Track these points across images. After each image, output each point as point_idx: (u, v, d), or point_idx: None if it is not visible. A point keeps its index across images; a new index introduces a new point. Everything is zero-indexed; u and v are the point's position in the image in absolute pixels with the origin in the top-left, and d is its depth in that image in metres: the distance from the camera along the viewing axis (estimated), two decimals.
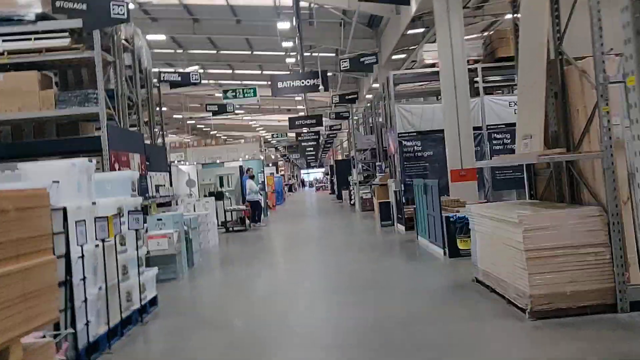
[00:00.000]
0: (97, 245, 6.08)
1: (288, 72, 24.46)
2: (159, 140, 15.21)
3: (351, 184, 28.12)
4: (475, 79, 15.47)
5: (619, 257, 5.77)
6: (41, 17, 10.09)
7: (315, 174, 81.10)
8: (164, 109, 26.66)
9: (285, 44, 22.38)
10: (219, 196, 19.94)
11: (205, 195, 19.98)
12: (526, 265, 5.85)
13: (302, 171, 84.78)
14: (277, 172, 44.58)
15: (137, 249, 7.34)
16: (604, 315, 5.78)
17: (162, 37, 22.36)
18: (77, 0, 9.37)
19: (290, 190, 46.23)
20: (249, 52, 27.19)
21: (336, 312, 7.35)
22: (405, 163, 15.61)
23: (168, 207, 12.84)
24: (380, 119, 20.67)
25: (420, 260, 10.81)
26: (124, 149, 10.86)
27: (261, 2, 20.64)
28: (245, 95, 20.58)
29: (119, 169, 10.13)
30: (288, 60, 24.96)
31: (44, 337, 3.48)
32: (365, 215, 21.84)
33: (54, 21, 10.09)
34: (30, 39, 10.00)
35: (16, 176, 5.88)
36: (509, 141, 15.42)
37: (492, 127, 15.39)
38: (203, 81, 31.70)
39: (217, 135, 50.91)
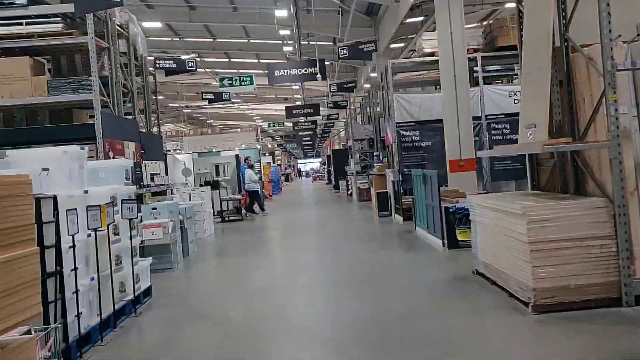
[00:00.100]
0: (89, 235, 5.92)
1: (285, 61, 24.22)
2: (155, 129, 15.02)
3: (348, 174, 27.98)
4: (475, 69, 15.31)
5: (625, 249, 5.63)
6: (33, 2, 9.88)
7: (312, 163, 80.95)
8: (160, 97, 26.46)
9: (282, 32, 22.14)
10: (214, 185, 19.79)
11: (201, 185, 19.81)
12: (530, 257, 5.71)
13: (299, 161, 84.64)
14: (274, 162, 44.39)
15: (130, 239, 7.18)
16: (608, 309, 5.64)
17: (157, 24, 22.10)
18: None
19: (286, 180, 46.06)
20: (246, 41, 26.92)
21: (334, 304, 7.20)
22: (403, 153, 15.47)
23: (163, 196, 12.67)
24: (378, 109, 20.50)
25: (419, 251, 10.66)
26: (119, 137, 10.68)
27: None
28: (242, 83, 20.35)
29: (114, 157, 9.96)
30: (285, 48, 24.71)
31: (29, 332, 3.32)
32: (362, 205, 21.70)
33: (46, 5, 9.89)
34: (21, 24, 9.81)
35: (5, 163, 5.70)
36: (508, 131, 15.29)
37: (491, 117, 15.23)
38: (199, 70, 31.56)
39: (214, 124, 50.62)
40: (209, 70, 32.40)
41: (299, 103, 33.92)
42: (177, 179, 19.34)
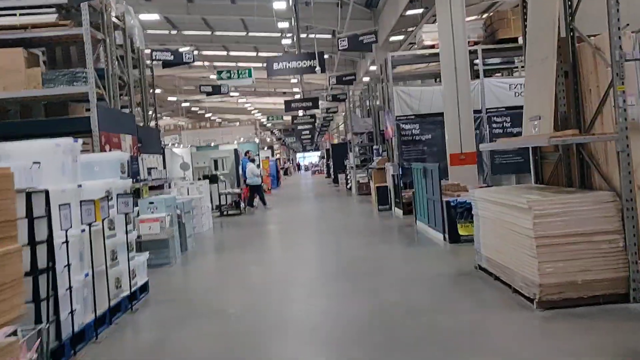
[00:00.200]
0: (83, 230, 5.77)
1: (284, 53, 24.02)
2: (152, 123, 14.85)
3: (347, 167, 27.82)
4: (475, 61, 15.15)
5: (633, 244, 5.49)
6: None
7: (311, 157, 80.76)
8: (158, 91, 26.24)
9: (281, 25, 21.93)
10: (213, 179, 19.62)
11: (199, 179, 19.64)
12: (536, 252, 5.56)
13: (298, 154, 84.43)
14: (273, 156, 44.23)
15: (126, 234, 7.03)
16: (616, 306, 5.50)
17: (155, 16, 21.88)
18: None
19: (285, 173, 45.91)
20: (244, 34, 26.71)
21: (335, 301, 7.05)
22: (403, 146, 15.34)
23: (161, 190, 12.51)
24: (378, 102, 20.34)
25: (420, 245, 10.54)
26: (115, 130, 10.51)
27: None
28: (240, 76, 20.16)
29: (110, 151, 9.79)
30: (284, 41, 24.49)
31: (15, 332, 3.17)
32: (361, 199, 21.56)
33: None
34: (14, 14, 9.61)
35: None
36: (509, 124, 15.18)
37: (491, 110, 15.08)
38: (197, 63, 31.38)
39: (212, 118, 50.43)
40: (207, 63, 32.18)
41: (297, 97, 33.75)
42: (175, 173, 19.18)
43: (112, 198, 6.69)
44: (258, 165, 25.33)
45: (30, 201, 4.66)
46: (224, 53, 31.14)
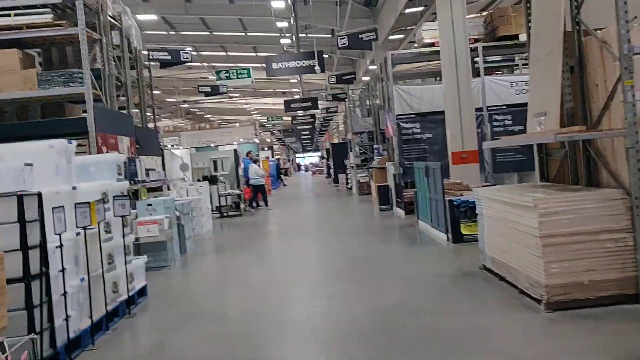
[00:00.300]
0: (78, 234, 5.62)
1: (283, 53, 23.88)
2: (151, 124, 14.71)
3: (348, 167, 27.67)
4: (475, 59, 15.00)
5: None
6: None
7: (310, 158, 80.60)
8: (157, 92, 26.10)
9: (279, 24, 21.80)
10: (213, 180, 19.49)
11: (198, 180, 19.50)
12: (541, 252, 5.42)
13: (298, 155, 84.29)
14: (273, 156, 44.07)
15: (123, 237, 6.89)
16: (624, 307, 5.35)
17: (152, 17, 21.74)
18: None
19: (285, 174, 45.67)
20: (243, 33, 26.57)
21: (337, 303, 6.89)
22: (403, 146, 15.19)
23: (160, 192, 12.37)
24: (378, 101, 20.20)
25: (423, 245, 10.40)
26: (112, 131, 10.37)
27: None
28: (239, 76, 20.00)
29: (107, 152, 9.66)
30: (283, 41, 24.35)
31: (2, 344, 3.03)
32: (362, 199, 21.43)
33: None
34: (9, 15, 9.48)
35: None
36: (510, 122, 15.06)
37: (492, 108, 14.93)
38: (196, 64, 31.23)
39: (212, 119, 50.26)
40: (206, 64, 32.03)
41: (297, 97, 33.60)
42: (175, 174, 19.05)
43: (108, 200, 6.55)
44: (259, 166, 25.23)
45: (22, 204, 4.52)
46: (223, 53, 31.01)
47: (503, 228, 6.48)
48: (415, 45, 17.35)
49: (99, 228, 6.06)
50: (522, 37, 14.42)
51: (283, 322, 6.26)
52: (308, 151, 78.63)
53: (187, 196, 14.69)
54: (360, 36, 14.67)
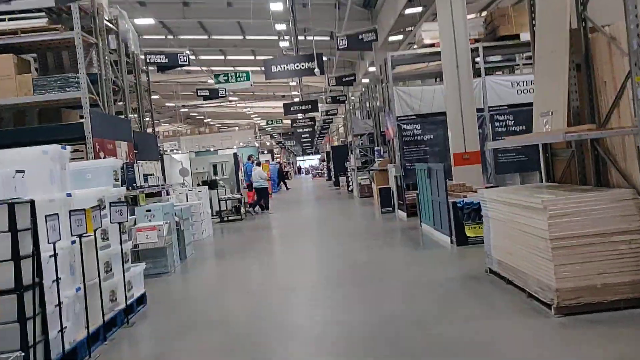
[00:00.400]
0: (73, 242, 5.46)
1: (282, 56, 23.76)
2: (150, 129, 14.55)
3: (348, 170, 27.51)
4: (476, 59, 14.87)
5: None
6: None
7: (311, 161, 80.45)
8: (156, 97, 25.92)
9: (278, 27, 21.67)
10: (212, 185, 19.33)
11: (198, 184, 19.34)
12: (551, 255, 5.25)
13: (298, 158, 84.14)
14: (273, 159, 43.91)
15: (121, 244, 6.72)
16: (639, 311, 5.18)
17: (150, 21, 21.61)
18: None
19: (285, 177, 45.51)
20: (241, 37, 26.46)
21: (340, 310, 6.71)
22: (404, 147, 15.04)
23: (159, 197, 12.20)
24: (378, 103, 20.06)
25: (426, 248, 10.22)
26: (110, 136, 10.21)
27: None
28: (238, 79, 19.85)
29: (105, 158, 9.49)
30: (282, 44, 24.24)
31: None
32: (363, 201, 21.25)
33: (29, 0, 9.40)
34: (4, 19, 9.33)
35: None
36: (512, 122, 14.95)
37: (494, 108, 14.80)
38: (195, 68, 31.12)
39: (211, 123, 50.17)
40: (205, 68, 31.92)
41: (297, 100, 33.47)
42: (174, 179, 18.90)
43: (105, 207, 6.40)
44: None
45: (13, 213, 4.35)
46: (222, 57, 30.90)
47: (510, 230, 6.31)
48: (415, 46, 17.21)
49: (95, 236, 5.90)
50: (523, 37, 14.32)
51: (285, 331, 6.09)
52: (308, 154, 78.46)
53: (187, 201, 14.52)
54: (360, 37, 14.52)
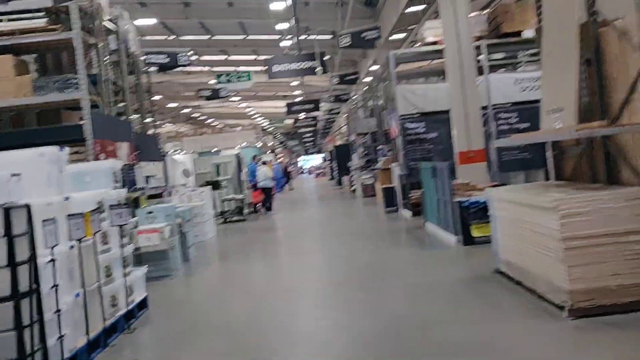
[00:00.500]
0: (72, 247, 5.33)
1: (284, 55, 23.63)
2: (152, 130, 14.44)
3: (351, 169, 27.36)
4: (479, 57, 14.71)
5: None
6: None
7: (313, 160, 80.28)
8: (158, 97, 25.82)
9: (279, 27, 21.53)
10: (215, 185, 19.20)
11: (201, 185, 19.21)
12: (563, 256, 5.10)
13: (300, 157, 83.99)
14: (276, 159, 43.74)
15: (122, 247, 6.59)
16: None
17: (152, 21, 21.50)
18: None
19: (287, 177, 45.30)
20: (243, 37, 26.33)
21: (345, 313, 6.57)
22: (408, 146, 14.88)
23: (161, 199, 12.08)
24: (381, 101, 19.92)
25: (432, 248, 10.08)
26: (110, 137, 10.11)
27: None
28: (240, 79, 19.73)
29: (106, 159, 9.37)
30: (283, 44, 24.10)
31: None
32: (367, 201, 21.10)
33: (27, 0, 9.29)
34: (2, 20, 9.22)
35: None
36: (516, 120, 14.75)
37: (497, 106, 14.64)
38: (197, 68, 31.01)
39: (213, 123, 50.08)
40: (207, 68, 31.80)
41: (299, 99, 33.35)
42: (177, 181, 18.77)
43: (104, 210, 6.26)
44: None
45: (8, 217, 4.22)
46: (223, 57, 30.77)
47: (519, 230, 6.17)
48: (418, 44, 17.07)
49: (94, 239, 5.77)
50: (526, 34, 14.18)
51: (290, 336, 5.95)
52: (311, 154, 78.33)
53: (190, 202, 14.38)
54: (362, 35, 14.39)
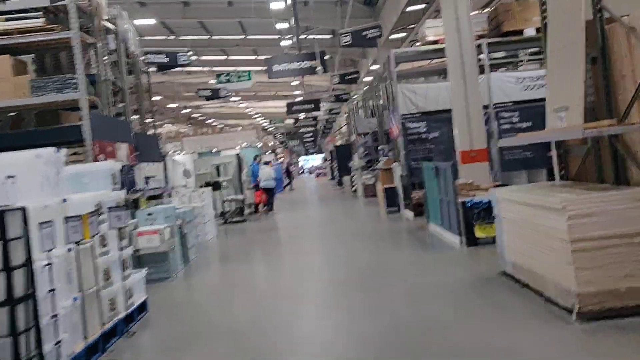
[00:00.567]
0: (70, 250, 5.22)
1: (284, 54, 23.52)
2: (151, 130, 14.33)
3: (352, 169, 27.24)
4: (480, 56, 14.62)
5: None
6: None
7: (313, 160, 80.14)
8: (158, 98, 25.69)
9: (279, 26, 21.42)
10: (216, 186, 19.09)
11: (201, 186, 19.10)
12: (572, 258, 4.99)
13: (301, 157, 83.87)
14: (276, 159, 43.62)
15: (120, 250, 6.48)
16: None
17: (151, 21, 21.40)
18: None
19: (288, 177, 45.23)
20: (243, 36, 26.22)
21: (348, 316, 6.46)
22: (409, 146, 14.77)
23: (160, 200, 11.96)
24: (381, 101, 19.81)
25: (435, 250, 9.96)
26: (110, 138, 9.99)
27: None
28: (240, 78, 19.62)
29: (105, 160, 9.26)
30: (283, 43, 23.99)
31: None
32: (368, 201, 20.98)
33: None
34: None
35: None
36: (517, 119, 14.67)
37: (499, 105, 14.55)
38: (197, 68, 30.91)
39: (214, 124, 49.96)
40: (207, 69, 31.69)
41: (299, 99, 33.23)
42: (177, 181, 18.65)
43: (103, 212, 6.16)
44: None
45: (3, 221, 4.12)
46: (223, 57, 30.67)
47: (526, 231, 6.06)
48: (418, 43, 16.96)
49: (93, 242, 5.66)
50: (528, 32, 14.09)
51: (293, 339, 5.85)
52: (311, 154, 78.20)
53: (190, 203, 14.27)
54: (364, 33, 14.26)
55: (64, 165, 5.68)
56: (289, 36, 22.74)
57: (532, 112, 14.07)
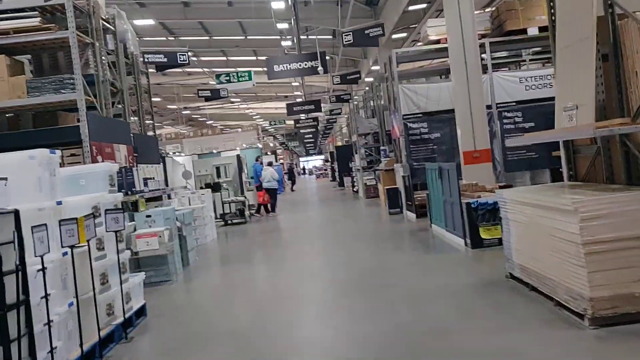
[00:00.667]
0: (65, 254, 5.06)
1: (284, 55, 23.35)
2: (151, 131, 14.16)
3: (353, 170, 27.09)
4: (482, 55, 14.47)
5: None
6: None
7: (314, 161, 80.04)
8: (157, 99, 25.50)
9: (280, 26, 21.27)
10: (216, 187, 18.94)
11: (201, 187, 18.95)
12: (584, 261, 4.82)
13: (301, 159, 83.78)
14: (276, 161, 43.48)
15: (118, 253, 6.32)
16: None
17: (150, 22, 21.24)
18: None
19: (290, 178, 45.05)
20: (243, 37, 26.07)
21: (350, 320, 6.29)
22: (411, 146, 14.63)
23: (160, 202, 11.80)
24: (383, 101, 19.66)
25: (439, 252, 9.79)
26: (108, 139, 9.83)
27: None
28: (240, 79, 19.45)
29: (103, 162, 9.10)
30: (283, 43, 23.83)
31: None
32: (370, 202, 20.83)
33: None
34: None
35: None
36: (520, 119, 14.55)
37: (501, 105, 14.41)
38: (197, 69, 30.74)
39: (214, 125, 49.74)
40: (207, 70, 31.53)
41: (299, 100, 33.06)
42: (177, 183, 18.51)
43: (100, 214, 5.99)
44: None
45: None
46: (223, 58, 30.52)
47: (534, 233, 5.88)
48: (420, 43, 16.80)
49: (89, 246, 5.49)
50: (531, 31, 13.95)
51: (294, 343, 5.69)
52: (312, 154, 78.12)
53: (190, 205, 14.12)
54: (366, 32, 14.07)
55: (59, 167, 5.51)
56: (289, 36, 22.60)
57: (535, 112, 13.95)
